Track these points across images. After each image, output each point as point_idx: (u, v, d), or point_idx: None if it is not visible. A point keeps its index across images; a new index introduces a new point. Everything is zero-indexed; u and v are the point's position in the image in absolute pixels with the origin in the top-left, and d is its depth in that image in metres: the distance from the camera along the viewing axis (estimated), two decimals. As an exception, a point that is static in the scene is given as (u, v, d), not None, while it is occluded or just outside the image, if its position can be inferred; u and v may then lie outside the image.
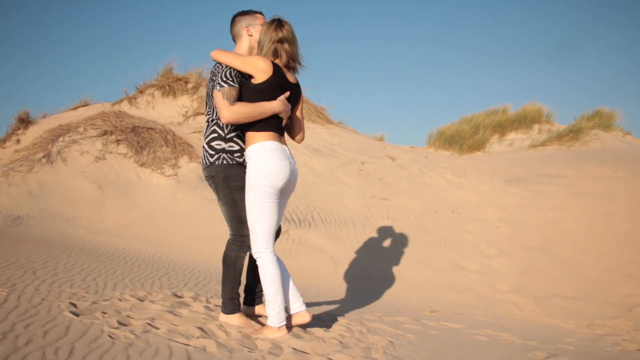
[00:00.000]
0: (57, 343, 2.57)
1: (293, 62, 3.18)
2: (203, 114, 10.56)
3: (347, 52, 37.71)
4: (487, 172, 9.98)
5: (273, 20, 3.20)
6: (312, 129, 10.99)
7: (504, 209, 8.42)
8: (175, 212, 7.60)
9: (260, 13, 3.43)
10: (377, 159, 10.57)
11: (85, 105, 11.08)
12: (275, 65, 3.12)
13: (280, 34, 3.14)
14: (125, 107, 10.82)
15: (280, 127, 3.18)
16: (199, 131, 9.89)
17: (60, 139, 8.77)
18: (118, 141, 8.80)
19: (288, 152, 3.16)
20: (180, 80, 11.29)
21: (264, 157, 3.06)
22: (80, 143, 8.63)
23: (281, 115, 3.13)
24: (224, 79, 3.15)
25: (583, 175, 9.41)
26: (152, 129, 9.26)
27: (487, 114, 15.31)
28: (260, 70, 3.08)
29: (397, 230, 7.62)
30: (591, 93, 32.36)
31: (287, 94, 3.14)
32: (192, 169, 8.66)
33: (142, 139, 8.97)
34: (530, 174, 9.75)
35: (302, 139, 3.35)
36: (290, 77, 3.22)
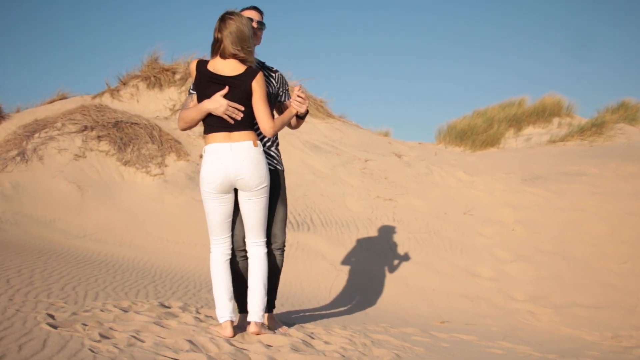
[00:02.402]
0: (33, 358, 2.57)
1: (232, 50, 3.35)
2: (192, 107, 10.58)
3: (349, 40, 37.71)
4: (502, 170, 9.99)
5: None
6: (310, 124, 11.00)
7: (520, 210, 8.43)
8: (162, 214, 7.60)
9: (250, 8, 3.72)
10: (381, 156, 10.57)
11: (63, 98, 11.06)
12: (199, 62, 3.43)
13: (216, 31, 3.38)
14: (106, 100, 10.82)
15: (230, 124, 3.38)
16: (188, 126, 9.89)
17: (36, 135, 8.77)
18: (99, 137, 8.80)
19: (228, 152, 3.36)
20: (166, 70, 11.29)
21: (202, 162, 3.46)
22: (57, 140, 8.63)
23: (216, 113, 3.35)
24: (189, 88, 3.63)
25: (607, 173, 9.41)
26: (136, 124, 9.27)
27: (502, 106, 15.31)
28: (191, 72, 3.50)
29: (404, 233, 7.62)
30: (616, 83, 32.33)
31: (224, 91, 3.35)
32: (179, 168, 8.67)
33: (125, 135, 8.97)
34: (548, 172, 9.76)
35: (268, 133, 3.43)
36: (229, 69, 3.39)
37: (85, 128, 8.93)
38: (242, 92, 3.38)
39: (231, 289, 3.49)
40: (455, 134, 13.87)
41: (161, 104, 10.84)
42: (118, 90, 11.11)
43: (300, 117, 3.70)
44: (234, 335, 3.38)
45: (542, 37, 35.51)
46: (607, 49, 33.71)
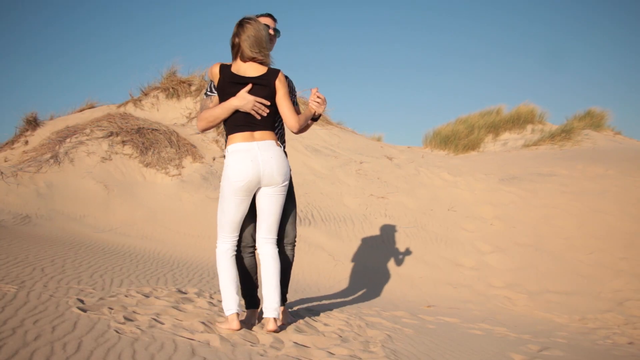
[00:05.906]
0: (65, 338, 2.57)
1: (250, 54, 3.18)
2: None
3: (346, 54, 37.68)
4: (482, 171, 9.99)
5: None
6: (311, 130, 10.97)
7: (498, 206, 8.42)
8: (179, 210, 7.60)
9: (265, 15, 3.51)
10: (375, 159, 10.57)
11: (92, 107, 11.05)
12: (222, 66, 3.23)
13: (235, 36, 3.22)
14: (130, 109, 10.81)
15: (253, 123, 3.19)
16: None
17: (68, 140, 8.76)
18: (123, 142, 8.80)
19: (256, 150, 3.15)
20: (183, 82, 11.27)
21: (227, 161, 3.20)
22: (86, 144, 8.62)
23: (243, 109, 3.15)
24: (205, 91, 3.38)
25: (575, 173, 9.41)
26: (156, 130, 9.26)
27: (482, 114, 15.29)
28: (213, 75, 3.27)
29: (395, 227, 7.62)
30: (583, 93, 32.33)
31: (247, 87, 3.16)
32: (195, 169, 8.66)
33: (146, 139, 8.97)
34: (523, 173, 9.75)
35: (295, 128, 3.22)
36: (252, 70, 3.20)
37: (111, 134, 8.93)
38: (266, 91, 3.18)
39: (238, 282, 3.24)
40: (440, 139, 13.85)
41: (179, 113, 10.83)
42: (140, 100, 11.10)
43: (314, 119, 3.45)
44: (240, 328, 3.15)
45: (518, 51, 35.50)
46: (575, 62, 33.69)
